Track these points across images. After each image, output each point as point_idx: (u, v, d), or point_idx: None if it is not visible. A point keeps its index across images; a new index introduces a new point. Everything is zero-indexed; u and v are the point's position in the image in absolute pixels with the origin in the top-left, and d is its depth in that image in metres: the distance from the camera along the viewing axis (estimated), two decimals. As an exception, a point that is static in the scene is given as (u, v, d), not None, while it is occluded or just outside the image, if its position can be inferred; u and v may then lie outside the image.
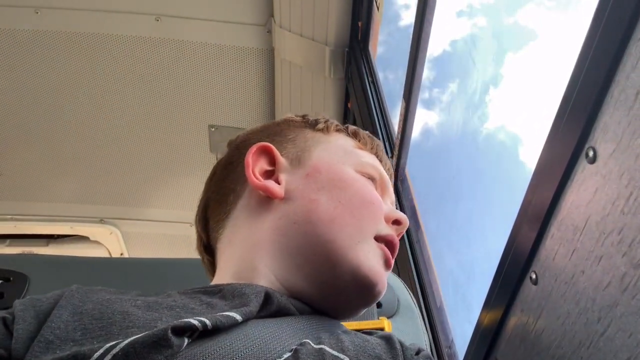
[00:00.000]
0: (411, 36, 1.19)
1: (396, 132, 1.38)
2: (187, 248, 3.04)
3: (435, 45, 1.17)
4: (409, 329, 0.88)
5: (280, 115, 2.37)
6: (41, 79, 2.42)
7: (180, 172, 2.79)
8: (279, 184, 0.68)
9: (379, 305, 0.92)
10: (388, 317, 0.93)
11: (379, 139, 1.50)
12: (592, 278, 0.51)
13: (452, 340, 1.12)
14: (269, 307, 0.59)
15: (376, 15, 1.79)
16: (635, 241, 0.45)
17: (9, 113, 2.55)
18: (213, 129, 2.59)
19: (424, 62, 1.18)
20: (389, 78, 1.76)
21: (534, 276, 0.62)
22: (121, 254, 3.23)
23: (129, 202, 3.01)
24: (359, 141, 0.76)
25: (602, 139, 0.49)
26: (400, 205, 1.33)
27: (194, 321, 0.49)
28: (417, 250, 1.23)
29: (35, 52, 2.34)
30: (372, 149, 0.76)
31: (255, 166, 0.69)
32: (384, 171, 0.74)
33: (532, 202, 0.61)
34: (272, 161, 0.71)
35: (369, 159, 0.73)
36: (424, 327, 0.93)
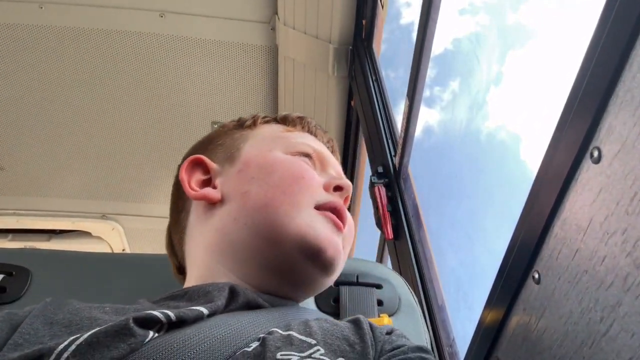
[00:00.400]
0: (416, 35, 1.19)
1: (399, 131, 1.38)
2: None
3: (437, 43, 1.17)
4: (410, 327, 0.88)
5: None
6: (44, 74, 2.42)
7: (183, 168, 2.79)
8: (215, 189, 0.71)
9: (380, 303, 0.93)
10: (389, 315, 0.93)
11: (383, 138, 1.51)
12: (595, 278, 0.51)
13: (454, 339, 1.13)
14: (237, 300, 0.60)
15: (380, 13, 1.79)
16: (639, 241, 0.45)
17: (11, 108, 2.55)
18: (216, 126, 2.58)
19: (428, 60, 1.18)
20: (390, 76, 1.76)
21: (536, 275, 0.62)
22: (123, 250, 3.23)
23: (131, 198, 3.01)
24: (288, 124, 0.78)
25: (607, 139, 0.49)
26: (402, 204, 1.34)
27: (157, 313, 0.50)
28: (419, 249, 1.23)
29: (38, 47, 2.34)
30: (302, 127, 0.79)
31: (190, 180, 0.72)
32: (319, 145, 0.77)
33: (536, 201, 0.61)
34: (207, 170, 0.74)
35: (299, 138, 0.75)
36: (425, 326, 0.93)
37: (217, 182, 0.71)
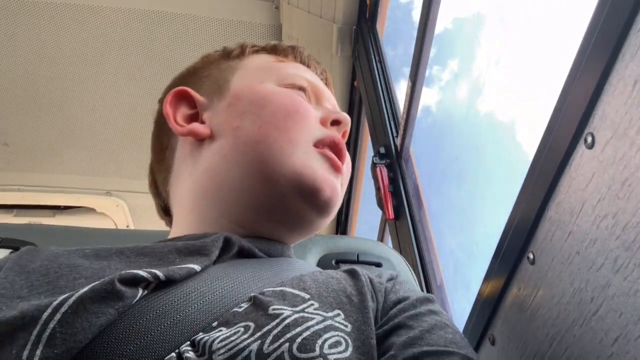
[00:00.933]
0: (419, 15, 1.19)
1: (401, 112, 1.39)
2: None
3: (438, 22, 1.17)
4: (409, 306, 0.90)
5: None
6: (48, 51, 2.43)
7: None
8: (203, 124, 0.67)
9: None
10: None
11: (385, 119, 1.52)
12: (587, 259, 0.53)
13: (451, 317, 1.15)
14: (230, 250, 0.58)
15: (385, -7, 1.79)
16: (629, 225, 0.47)
17: (15, 84, 2.56)
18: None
19: (431, 41, 1.19)
20: (389, 55, 1.76)
21: (531, 256, 0.64)
22: (127, 226, 3.26)
23: (136, 175, 3.03)
24: (279, 55, 0.73)
25: (601, 125, 0.50)
26: (403, 184, 1.35)
27: (143, 273, 0.47)
28: (419, 229, 1.25)
29: (44, 22, 2.34)
30: (295, 57, 0.74)
31: (176, 114, 0.68)
32: (313, 76, 0.72)
33: (532, 184, 0.62)
34: (193, 104, 0.69)
35: (292, 69, 0.70)
36: (424, 304, 0.94)
37: (205, 116, 0.67)
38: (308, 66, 0.74)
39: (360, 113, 2.08)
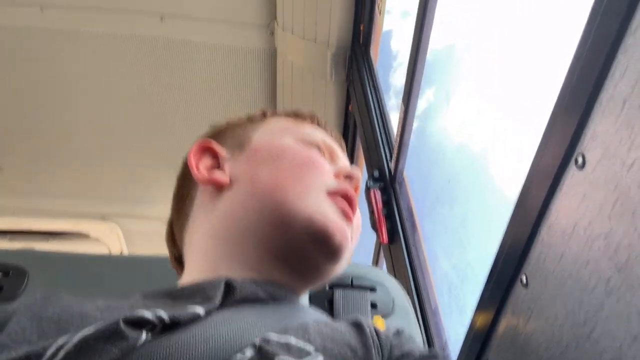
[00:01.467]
0: (411, 41, 1.20)
1: (395, 135, 1.39)
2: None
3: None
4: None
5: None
6: (45, 76, 2.44)
7: (182, 170, 2.80)
8: (225, 171, 0.69)
9: (374, 305, 0.93)
10: (383, 318, 0.94)
11: (379, 142, 1.53)
12: (580, 281, 0.53)
13: (446, 341, 1.14)
14: (233, 296, 0.58)
15: (378, 18, 1.80)
16: (621, 246, 0.46)
17: (11, 108, 2.56)
18: (218, 125, 2.60)
19: (424, 66, 1.19)
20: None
21: (524, 279, 0.64)
22: (121, 252, 3.23)
23: (130, 200, 3.02)
24: (297, 118, 0.77)
25: (591, 145, 0.50)
26: (397, 208, 1.35)
27: (148, 313, 0.48)
28: (413, 253, 1.24)
29: (39, 49, 2.35)
30: (312, 121, 0.78)
31: (199, 163, 0.70)
32: (327, 137, 0.76)
33: (524, 206, 0.62)
34: (215, 156, 0.72)
35: (309, 129, 0.75)
36: (419, 328, 0.93)
37: (226, 167, 0.70)
38: (324, 129, 0.78)
39: (355, 137, 2.08)
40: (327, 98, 2.13)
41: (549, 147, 0.56)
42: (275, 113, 0.79)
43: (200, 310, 0.52)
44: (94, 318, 0.51)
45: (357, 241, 0.72)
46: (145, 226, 3.14)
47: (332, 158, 0.74)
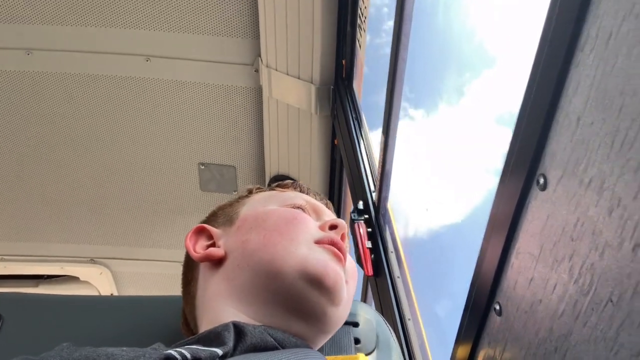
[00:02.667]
0: (388, 73, 1.21)
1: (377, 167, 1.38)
2: (178, 287, 3.01)
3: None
4: (387, 366, 0.86)
5: (268, 153, 2.40)
6: (30, 119, 2.44)
7: (171, 210, 2.79)
8: (218, 248, 0.74)
9: (357, 341, 0.91)
10: (366, 354, 0.91)
11: (363, 175, 1.52)
12: (549, 307, 0.51)
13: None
14: (244, 340, 0.59)
15: (359, 53, 1.82)
16: (584, 267, 0.45)
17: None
18: (203, 167, 2.60)
19: (401, 96, 1.20)
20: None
21: (497, 307, 0.62)
22: (111, 294, 3.19)
23: (119, 242, 2.99)
24: (280, 187, 0.84)
25: (551, 165, 0.49)
26: (382, 240, 1.33)
27: (174, 352, 0.52)
28: (397, 285, 1.22)
29: (26, 93, 2.37)
30: (295, 188, 0.84)
31: (195, 245, 0.75)
32: (310, 198, 0.81)
33: (493, 232, 0.61)
34: (210, 236, 0.76)
35: (292, 195, 0.80)
36: (403, 365, 0.90)
37: (220, 242, 0.74)
38: (307, 194, 0.83)
39: (342, 171, 2.08)
40: (312, 133, 2.13)
41: (512, 170, 0.55)
42: (260, 189, 0.84)
43: (218, 351, 0.55)
44: (120, 356, 0.54)
45: (354, 287, 0.74)
46: (135, 268, 3.11)
47: (318, 215, 0.78)
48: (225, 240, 0.74)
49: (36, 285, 3.32)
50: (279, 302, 0.66)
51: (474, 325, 0.67)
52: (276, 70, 2.04)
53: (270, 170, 2.45)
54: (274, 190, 0.84)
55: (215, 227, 0.77)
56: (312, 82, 1.98)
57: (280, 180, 0.90)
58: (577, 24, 0.44)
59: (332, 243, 0.69)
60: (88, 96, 2.38)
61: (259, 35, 2.03)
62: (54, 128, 2.48)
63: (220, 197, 2.68)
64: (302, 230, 0.69)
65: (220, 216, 0.80)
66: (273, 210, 0.73)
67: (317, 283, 0.64)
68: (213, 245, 0.75)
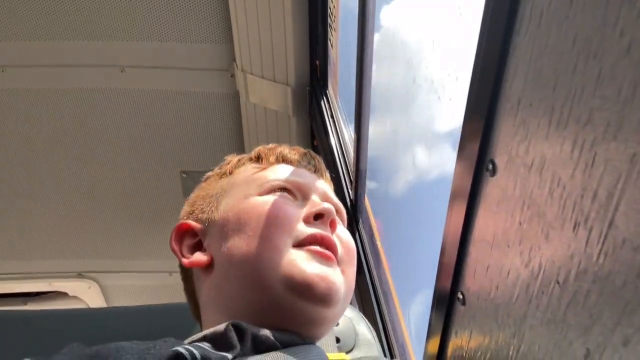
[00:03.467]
0: (355, 68, 1.20)
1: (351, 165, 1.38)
2: (167, 298, 2.99)
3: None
4: (367, 364, 0.86)
5: (249, 157, 2.38)
6: (9, 136, 2.42)
7: (155, 220, 2.77)
8: (204, 251, 0.71)
9: (338, 340, 0.90)
10: (346, 352, 0.91)
11: (340, 174, 1.51)
12: (505, 292, 0.50)
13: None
14: (246, 340, 0.58)
15: (332, 52, 1.81)
16: (533, 250, 0.44)
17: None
18: (185, 175, 2.58)
19: (370, 93, 1.19)
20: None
21: (461, 297, 0.61)
22: (98, 307, 3.16)
23: (106, 255, 2.97)
24: (261, 162, 0.77)
25: (498, 150, 0.49)
26: (360, 238, 1.32)
27: (183, 350, 0.52)
28: (377, 283, 1.22)
29: (1, 110, 2.35)
30: (277, 159, 0.77)
31: (182, 248, 0.73)
32: (296, 173, 0.75)
33: (451, 222, 0.60)
34: (194, 233, 0.74)
35: (272, 174, 0.73)
36: (383, 362, 0.90)
37: (205, 243, 0.71)
38: (290, 162, 0.77)
39: (323, 172, 2.07)
40: (292, 135, 2.13)
41: (463, 158, 0.54)
42: (239, 162, 0.79)
43: (228, 355, 0.55)
44: (130, 348, 0.55)
45: (353, 268, 0.71)
46: (123, 280, 3.09)
47: (304, 194, 0.73)
48: (209, 242, 0.71)
49: (25, 303, 3.29)
50: (272, 313, 0.64)
51: (441, 317, 0.67)
52: (251, 74, 2.03)
53: (253, 175, 2.44)
54: (254, 164, 0.78)
55: (198, 223, 0.74)
56: (287, 84, 1.97)
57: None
58: (512, 5, 0.44)
59: (317, 241, 0.66)
60: (65, 110, 2.37)
61: (233, 39, 2.02)
62: (32, 144, 2.46)
63: (204, 204, 2.66)
64: (284, 232, 0.66)
65: (201, 207, 0.75)
66: (253, 207, 0.68)
67: (307, 294, 0.62)
68: (199, 244, 0.72)
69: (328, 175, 0.82)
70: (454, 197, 0.59)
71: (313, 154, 0.82)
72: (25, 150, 2.48)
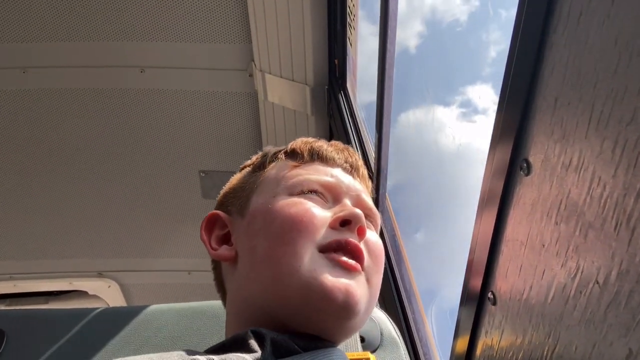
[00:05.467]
0: (377, 67, 1.20)
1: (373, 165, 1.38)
2: (186, 296, 3.01)
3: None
4: (393, 363, 0.86)
5: (268, 157, 2.39)
6: (31, 137, 2.45)
7: (174, 219, 2.79)
8: (231, 245, 0.70)
9: (362, 339, 0.90)
10: (372, 351, 0.90)
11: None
12: (539, 292, 0.50)
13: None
14: (266, 345, 0.57)
15: (351, 50, 1.81)
16: (570, 250, 0.44)
17: (1, 172, 2.58)
18: (203, 175, 2.60)
19: (392, 92, 1.19)
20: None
21: (491, 296, 0.61)
22: (120, 306, 3.19)
23: (125, 254, 3.00)
24: (296, 159, 0.74)
25: (533, 149, 0.48)
26: (382, 238, 1.32)
27: (202, 358, 0.51)
28: (399, 283, 1.21)
29: (24, 111, 2.38)
30: (312, 157, 0.74)
31: (211, 238, 0.72)
32: (329, 173, 0.71)
33: (482, 221, 0.60)
34: (224, 224, 0.73)
35: (305, 174, 0.70)
36: (408, 360, 0.90)
37: (233, 237, 0.71)
38: (325, 160, 0.74)
39: (341, 171, 2.07)
40: (310, 134, 2.11)
41: (497, 157, 0.54)
42: (273, 157, 0.76)
43: (248, 357, 0.53)
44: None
45: (379, 277, 0.68)
46: (142, 279, 3.12)
47: (335, 196, 0.70)
48: (236, 236, 0.70)
49: (46, 302, 3.34)
50: (291, 319, 0.62)
51: (470, 316, 0.67)
52: (270, 73, 2.04)
53: (271, 174, 2.44)
54: (289, 161, 0.74)
55: (228, 215, 0.73)
56: (306, 84, 1.97)
57: None
58: (549, 4, 0.43)
59: (342, 246, 0.63)
60: (85, 111, 2.39)
61: (251, 39, 2.03)
62: (54, 144, 2.49)
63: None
64: (307, 237, 0.63)
65: (233, 199, 0.74)
66: (281, 208, 0.65)
67: (324, 306, 0.60)
68: (228, 236, 0.72)
69: (365, 173, 0.78)
70: (484, 196, 0.58)
71: (351, 150, 0.78)
72: (46, 150, 2.51)
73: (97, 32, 2.15)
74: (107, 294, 3.19)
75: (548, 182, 0.46)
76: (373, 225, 0.72)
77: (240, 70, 2.19)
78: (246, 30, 2.05)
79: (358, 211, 0.66)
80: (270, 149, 0.79)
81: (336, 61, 1.88)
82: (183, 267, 2.93)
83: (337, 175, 0.72)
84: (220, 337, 0.94)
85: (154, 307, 1.11)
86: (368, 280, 0.64)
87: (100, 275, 3.13)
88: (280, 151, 0.77)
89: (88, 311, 1.22)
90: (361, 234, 0.66)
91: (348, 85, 1.85)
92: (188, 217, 2.75)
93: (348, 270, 0.62)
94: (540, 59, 0.46)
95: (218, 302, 1.02)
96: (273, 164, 0.74)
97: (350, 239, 0.63)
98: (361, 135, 1.64)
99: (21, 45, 2.20)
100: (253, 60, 2.11)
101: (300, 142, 0.77)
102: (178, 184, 2.65)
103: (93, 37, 2.17)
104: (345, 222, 0.65)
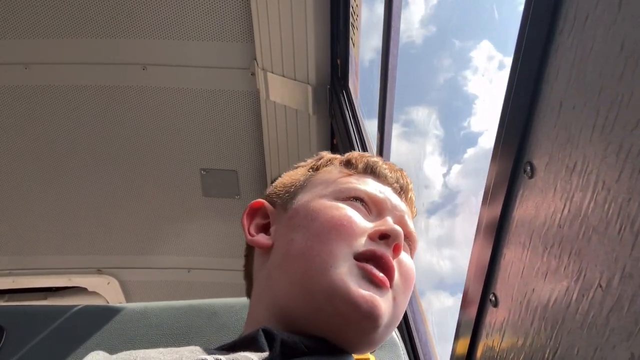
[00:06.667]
0: (380, 68, 1.20)
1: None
2: (185, 294, 3.01)
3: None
4: (392, 363, 0.86)
5: (268, 155, 2.39)
6: (32, 133, 2.45)
7: (175, 217, 2.79)
8: (269, 235, 0.72)
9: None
10: (371, 352, 0.90)
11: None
12: (541, 295, 0.50)
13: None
14: (275, 345, 0.58)
15: (353, 51, 1.81)
16: (573, 253, 0.44)
17: (1, 169, 2.58)
18: (204, 173, 2.60)
19: (394, 92, 1.19)
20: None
21: (493, 298, 0.61)
22: (119, 304, 3.19)
23: (125, 251, 3.00)
24: (350, 168, 0.75)
25: (537, 152, 0.49)
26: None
27: (210, 358, 0.52)
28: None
29: (25, 107, 2.38)
30: (365, 170, 0.75)
31: (250, 224, 0.74)
32: (378, 188, 0.72)
33: (484, 223, 0.60)
34: (266, 214, 0.75)
35: (354, 182, 0.72)
36: (408, 361, 0.90)
37: (272, 228, 0.72)
38: (377, 176, 0.75)
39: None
40: (311, 134, 2.13)
41: (500, 160, 0.54)
42: (328, 162, 0.78)
43: (255, 357, 0.54)
44: (157, 358, 0.55)
45: (406, 298, 0.69)
46: (142, 276, 3.11)
47: (380, 211, 0.70)
48: (276, 228, 0.71)
49: (45, 298, 3.33)
50: (311, 318, 0.63)
51: (471, 318, 0.67)
52: (272, 72, 2.04)
53: (272, 173, 2.45)
54: (342, 167, 0.76)
55: (273, 207, 0.74)
56: (308, 83, 1.98)
57: None
58: (555, 7, 0.43)
59: (375, 257, 0.63)
60: (86, 107, 2.39)
61: (254, 38, 2.03)
62: (54, 141, 2.49)
63: (223, 202, 2.68)
64: (345, 240, 0.63)
65: (280, 193, 0.75)
66: (325, 208, 0.67)
67: (346, 313, 0.60)
68: (268, 226, 0.73)
69: (413, 198, 0.78)
70: (487, 197, 0.58)
71: (404, 173, 0.79)
72: (46, 147, 2.51)
73: (100, 29, 2.15)
74: (107, 291, 3.19)
75: (552, 184, 0.46)
76: (410, 249, 0.73)
77: (242, 69, 2.19)
78: (249, 28, 2.05)
79: (399, 228, 0.67)
80: (326, 153, 0.81)
81: (338, 61, 1.88)
82: (183, 264, 2.93)
83: (385, 192, 0.73)
84: (218, 335, 0.94)
85: (153, 304, 1.11)
86: (394, 299, 0.65)
87: (99, 271, 3.12)
88: (336, 158, 0.79)
89: (87, 308, 1.22)
90: (397, 251, 0.66)
91: (350, 85, 1.85)
92: (189, 215, 2.75)
93: (376, 284, 0.62)
94: (545, 62, 0.46)
95: (217, 300, 1.03)
96: (326, 168, 0.76)
97: (385, 253, 0.64)
98: (362, 135, 1.64)
99: (23, 41, 2.19)
100: (255, 59, 2.11)
101: (357, 154, 0.78)
102: (179, 181, 2.64)
103: (95, 34, 2.17)
104: (384, 236, 0.66)
